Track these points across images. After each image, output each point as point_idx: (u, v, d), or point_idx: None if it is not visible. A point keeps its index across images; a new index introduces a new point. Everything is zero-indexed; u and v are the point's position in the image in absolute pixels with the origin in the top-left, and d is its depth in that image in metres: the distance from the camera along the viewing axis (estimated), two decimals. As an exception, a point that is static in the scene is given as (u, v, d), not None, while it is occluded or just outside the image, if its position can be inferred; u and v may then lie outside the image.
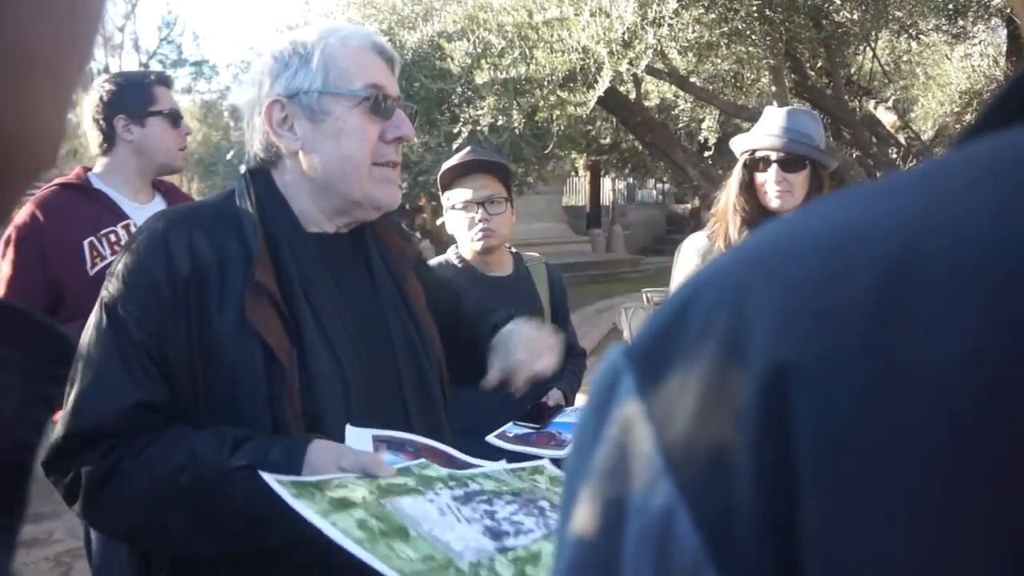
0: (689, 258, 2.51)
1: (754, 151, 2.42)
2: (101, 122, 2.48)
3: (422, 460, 1.19)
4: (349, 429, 1.22)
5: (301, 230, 1.33)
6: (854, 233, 0.32)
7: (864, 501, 0.28)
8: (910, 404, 0.28)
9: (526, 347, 1.47)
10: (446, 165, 2.48)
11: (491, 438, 2.04)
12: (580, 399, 2.62)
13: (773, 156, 2.38)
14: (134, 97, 2.45)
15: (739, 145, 2.49)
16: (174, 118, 2.51)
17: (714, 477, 0.31)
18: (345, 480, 1.08)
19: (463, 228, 2.44)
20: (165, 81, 2.57)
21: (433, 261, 2.59)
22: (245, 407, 1.21)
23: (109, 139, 2.49)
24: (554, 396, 2.39)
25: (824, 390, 0.29)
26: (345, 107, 1.31)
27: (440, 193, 2.53)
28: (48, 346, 0.37)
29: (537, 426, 2.15)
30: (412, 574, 0.92)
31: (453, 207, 2.46)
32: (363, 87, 1.31)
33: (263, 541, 1.16)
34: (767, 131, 2.42)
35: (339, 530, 0.96)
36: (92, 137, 2.52)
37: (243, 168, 1.41)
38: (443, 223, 2.59)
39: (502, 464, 1.28)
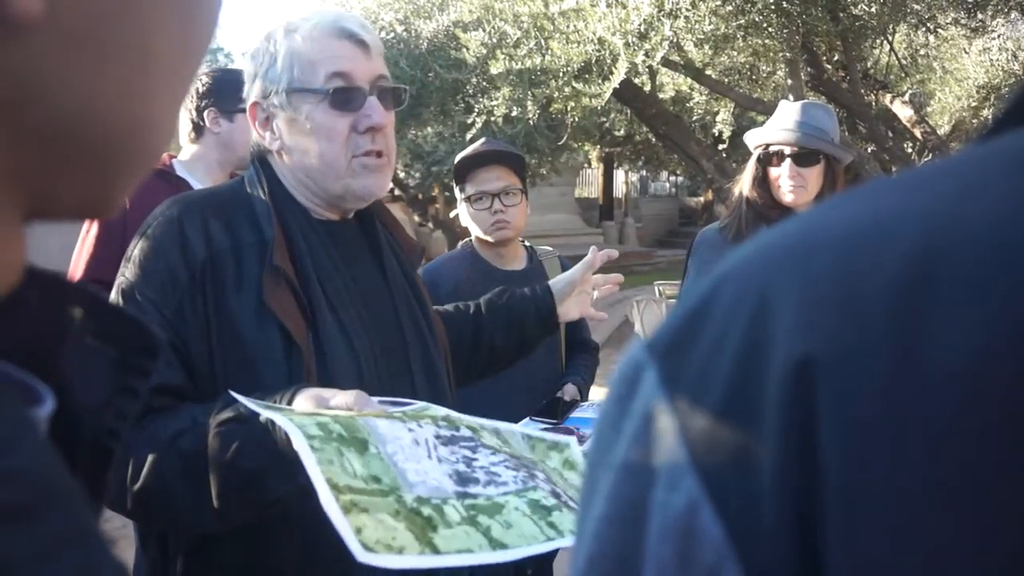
0: (702, 253, 2.51)
1: (768, 145, 2.41)
2: (192, 112, 2.54)
3: (421, 403, 1.15)
4: None
5: (310, 217, 1.34)
6: (877, 227, 0.32)
7: (886, 493, 0.29)
8: (930, 395, 0.28)
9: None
10: (460, 156, 2.47)
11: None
12: (594, 392, 2.62)
13: (787, 150, 2.37)
14: (227, 92, 2.48)
15: (753, 139, 2.49)
16: None
17: (738, 470, 0.31)
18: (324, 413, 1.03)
19: (477, 220, 2.43)
20: None
21: (445, 255, 2.59)
22: (264, 389, 1.21)
23: (198, 129, 2.56)
24: (569, 391, 2.38)
25: (847, 383, 0.30)
26: (312, 103, 1.28)
27: (454, 185, 2.53)
28: (137, 341, 0.40)
29: (554, 421, 2.15)
30: (343, 488, 0.85)
31: (467, 199, 2.44)
32: (325, 79, 1.28)
33: (263, 499, 1.14)
34: (781, 125, 2.42)
35: (294, 424, 0.90)
36: (183, 125, 2.58)
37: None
38: (456, 215, 2.58)
39: (521, 428, 1.24)
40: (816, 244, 0.33)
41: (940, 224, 0.31)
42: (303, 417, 0.95)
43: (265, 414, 0.97)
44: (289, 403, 1.11)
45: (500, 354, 1.67)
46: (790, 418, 0.30)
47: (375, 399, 1.21)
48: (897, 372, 0.29)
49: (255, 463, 1.10)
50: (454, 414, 1.16)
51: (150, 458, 1.15)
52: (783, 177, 2.37)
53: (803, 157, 2.36)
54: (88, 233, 2.39)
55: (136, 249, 1.26)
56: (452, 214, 2.93)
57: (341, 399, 1.10)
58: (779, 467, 0.30)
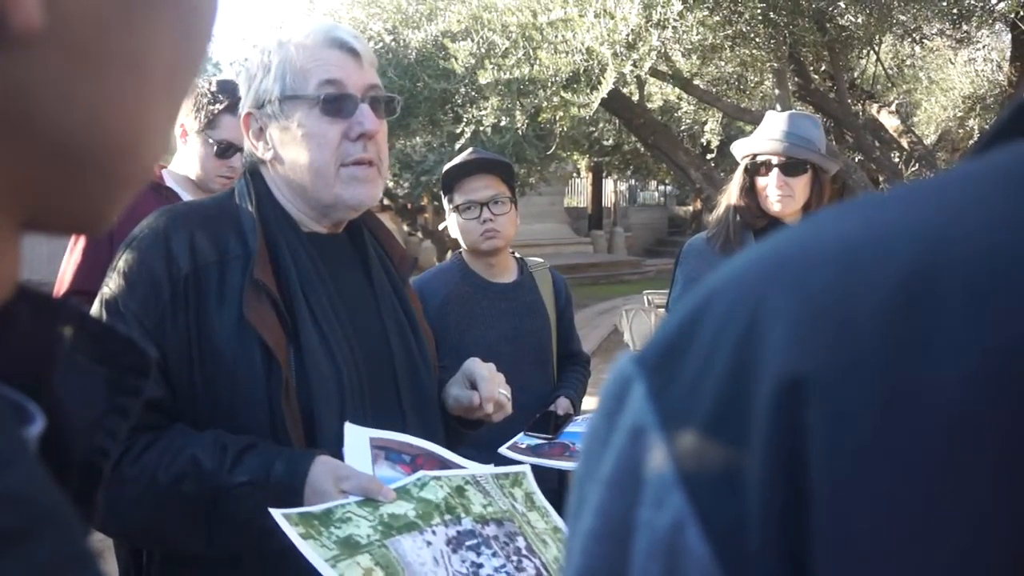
0: (690, 262, 2.51)
1: (755, 155, 2.42)
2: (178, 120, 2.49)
3: (420, 474, 1.22)
4: (348, 427, 1.24)
5: (298, 230, 1.34)
6: (870, 244, 0.32)
7: (878, 513, 0.28)
8: (925, 418, 0.28)
9: (488, 385, 1.43)
10: (447, 167, 2.45)
11: (503, 450, 2.02)
12: (587, 403, 2.61)
13: (774, 160, 2.38)
14: (198, 113, 2.44)
15: (740, 149, 2.49)
16: (221, 149, 2.45)
17: (724, 488, 0.31)
18: (349, 510, 1.11)
19: (466, 230, 2.41)
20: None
21: (434, 268, 2.57)
22: (243, 405, 1.22)
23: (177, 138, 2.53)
24: (562, 405, 2.37)
25: (839, 403, 0.29)
26: (304, 111, 1.29)
27: (442, 196, 2.51)
28: (128, 359, 0.39)
29: (549, 437, 2.13)
30: None
31: (456, 208, 2.42)
32: (317, 86, 1.28)
33: (262, 548, 1.16)
34: (768, 135, 2.43)
35: None
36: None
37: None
38: (445, 227, 2.57)
39: (490, 468, 1.30)
40: (808, 260, 0.33)
41: (934, 242, 0.30)
42: (348, 566, 1.03)
43: (310, 557, 1.03)
44: (306, 471, 1.16)
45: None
46: (778, 437, 0.30)
47: (365, 431, 1.22)
48: (890, 393, 0.29)
49: (268, 522, 1.09)
50: (445, 474, 1.23)
51: (149, 497, 1.18)
52: (770, 187, 2.38)
53: (790, 167, 2.37)
54: (76, 243, 2.37)
55: (121, 260, 1.26)
56: (441, 226, 2.90)
57: (355, 484, 1.15)
58: (766, 485, 0.30)
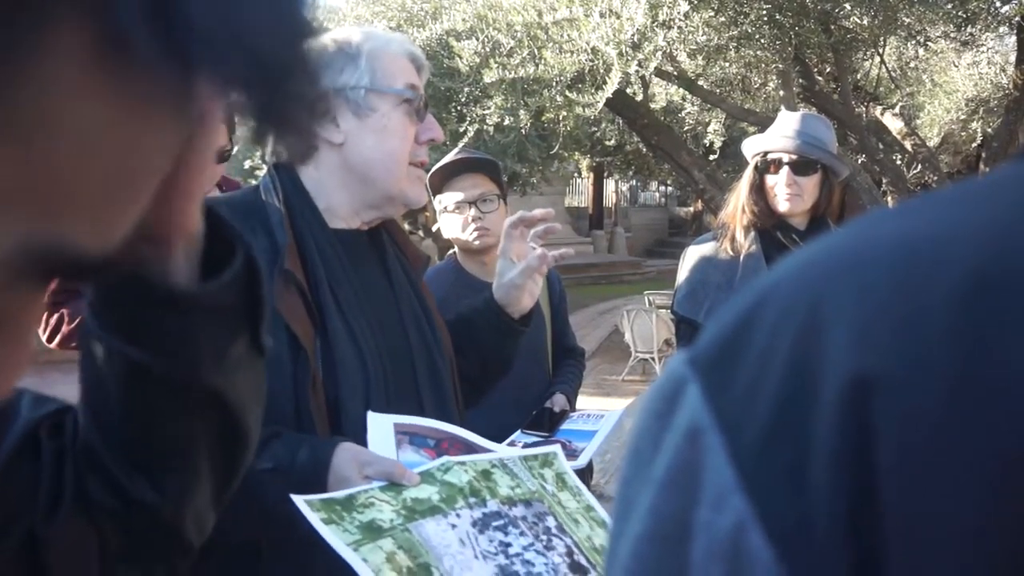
0: (694, 262, 2.50)
1: (766, 153, 2.41)
2: None
3: (444, 459, 1.22)
4: (371, 416, 1.25)
5: (325, 225, 1.36)
6: (932, 240, 0.31)
7: (949, 511, 0.28)
8: (995, 414, 0.28)
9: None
10: (434, 168, 2.47)
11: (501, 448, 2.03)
12: (582, 402, 2.61)
13: (785, 158, 2.37)
14: None
15: (751, 147, 2.48)
16: None
17: (790, 489, 0.30)
18: (372, 495, 1.12)
19: (457, 230, 2.44)
20: None
21: (431, 270, 2.58)
22: (269, 393, 1.22)
23: None
24: (559, 402, 2.38)
25: (907, 400, 0.29)
26: (389, 105, 1.36)
27: (431, 197, 2.52)
28: None
29: (545, 434, 2.14)
30: None
31: (445, 209, 2.45)
32: (405, 88, 1.37)
33: (286, 536, 1.18)
34: (781, 133, 2.41)
35: (370, 568, 1.01)
36: None
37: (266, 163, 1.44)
38: (439, 228, 2.58)
39: (517, 451, 1.33)
40: (868, 259, 0.32)
41: (996, 239, 0.30)
42: (370, 550, 1.04)
43: (331, 542, 1.03)
44: (329, 457, 1.18)
45: (469, 374, 1.58)
46: (844, 437, 0.29)
47: (388, 417, 1.23)
48: (959, 390, 0.28)
49: (288, 511, 1.09)
50: (470, 459, 1.24)
51: None
52: (779, 184, 2.36)
53: (801, 166, 2.36)
54: None
55: None
56: (435, 227, 2.93)
57: (378, 469, 1.16)
58: (832, 486, 0.29)
